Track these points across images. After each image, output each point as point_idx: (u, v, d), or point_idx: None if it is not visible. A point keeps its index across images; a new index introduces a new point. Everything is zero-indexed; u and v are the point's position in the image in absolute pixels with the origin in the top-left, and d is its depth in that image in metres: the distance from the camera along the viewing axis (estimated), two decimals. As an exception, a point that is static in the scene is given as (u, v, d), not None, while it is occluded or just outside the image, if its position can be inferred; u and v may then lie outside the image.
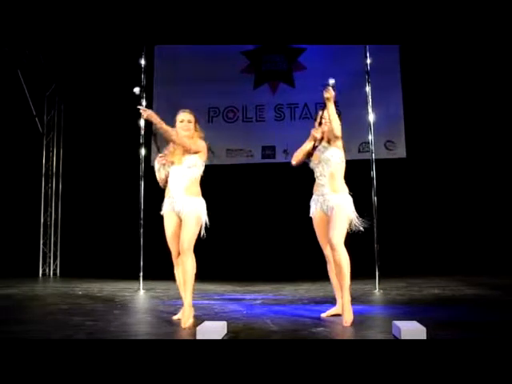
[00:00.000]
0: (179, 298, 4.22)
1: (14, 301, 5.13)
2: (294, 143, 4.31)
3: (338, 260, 3.61)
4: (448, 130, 8.37)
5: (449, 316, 3.86)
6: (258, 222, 8.64)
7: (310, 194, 3.97)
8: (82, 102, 9.28)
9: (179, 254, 3.69)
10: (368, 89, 6.22)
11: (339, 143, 3.84)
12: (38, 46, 7.44)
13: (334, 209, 3.73)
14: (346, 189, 3.84)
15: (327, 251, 3.85)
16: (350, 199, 3.82)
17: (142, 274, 6.15)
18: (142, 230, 6.28)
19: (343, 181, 3.85)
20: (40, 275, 8.84)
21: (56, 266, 9.14)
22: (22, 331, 3.32)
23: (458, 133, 8.36)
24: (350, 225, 3.77)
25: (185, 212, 3.66)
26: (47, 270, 9.03)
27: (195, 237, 3.67)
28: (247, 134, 8.88)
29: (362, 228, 3.79)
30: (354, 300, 4.83)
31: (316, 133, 3.88)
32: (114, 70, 8.68)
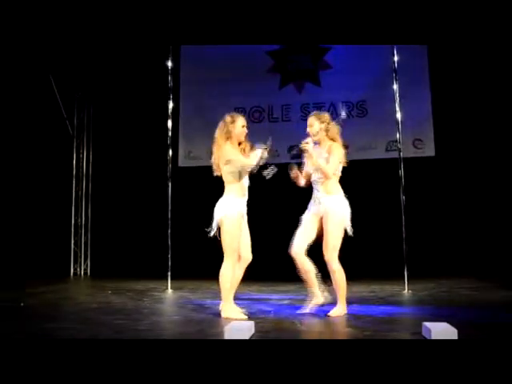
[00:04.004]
0: (207, 297, 4.25)
1: (46, 300, 5.24)
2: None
3: (333, 275, 3.94)
4: (478, 128, 8.18)
5: (479, 317, 3.78)
6: (286, 221, 8.60)
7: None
8: (111, 105, 9.42)
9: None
10: (395, 86, 6.14)
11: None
12: (68, 50, 7.58)
13: (327, 213, 3.94)
14: (339, 191, 4.04)
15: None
16: (344, 201, 3.99)
17: (170, 273, 6.21)
18: (169, 230, 6.35)
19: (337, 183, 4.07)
20: (71, 275, 9.01)
21: (87, 265, 9.31)
22: (54, 329, 3.39)
23: (488, 131, 8.16)
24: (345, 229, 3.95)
25: (245, 215, 4.10)
26: (78, 270, 9.20)
27: None
28: (273, 134, 8.82)
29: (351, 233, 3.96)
30: (384, 300, 4.79)
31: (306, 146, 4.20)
32: (141, 72, 8.79)
